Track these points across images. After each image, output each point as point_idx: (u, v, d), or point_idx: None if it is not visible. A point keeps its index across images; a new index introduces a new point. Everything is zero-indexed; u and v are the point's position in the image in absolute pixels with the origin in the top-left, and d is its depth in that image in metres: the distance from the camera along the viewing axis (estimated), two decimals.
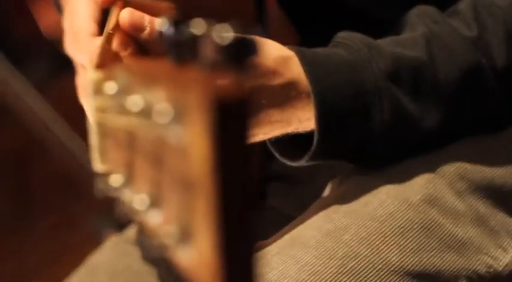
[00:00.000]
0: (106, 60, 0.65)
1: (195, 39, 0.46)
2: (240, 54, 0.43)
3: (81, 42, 0.80)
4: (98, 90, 0.52)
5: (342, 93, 0.80)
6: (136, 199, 0.50)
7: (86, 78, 0.77)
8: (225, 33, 0.43)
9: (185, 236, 0.43)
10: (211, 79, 0.42)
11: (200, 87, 0.41)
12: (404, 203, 0.83)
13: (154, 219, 0.48)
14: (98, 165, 0.61)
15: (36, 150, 2.22)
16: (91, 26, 0.80)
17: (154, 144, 0.48)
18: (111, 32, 0.73)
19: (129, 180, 0.52)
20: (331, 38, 0.86)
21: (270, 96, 0.76)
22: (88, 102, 0.72)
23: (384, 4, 0.92)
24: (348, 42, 0.84)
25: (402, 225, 0.81)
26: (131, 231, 1.08)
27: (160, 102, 0.45)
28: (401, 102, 0.82)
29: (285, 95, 0.77)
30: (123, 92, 0.51)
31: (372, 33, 0.85)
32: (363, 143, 0.82)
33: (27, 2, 2.29)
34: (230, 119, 0.40)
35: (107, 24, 0.78)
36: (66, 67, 2.34)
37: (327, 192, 0.90)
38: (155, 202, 0.48)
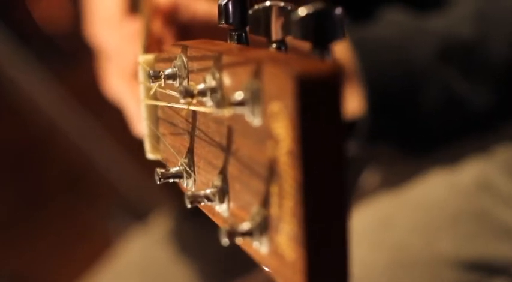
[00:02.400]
0: (152, 43, 0.61)
1: (268, 11, 0.43)
2: (323, 27, 0.39)
3: (114, 24, 0.76)
4: (148, 74, 0.49)
5: (391, 72, 0.76)
6: (201, 186, 0.47)
7: (119, 64, 0.73)
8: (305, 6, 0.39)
9: (263, 227, 0.40)
10: (294, 58, 0.38)
11: (282, 66, 0.37)
12: (455, 189, 0.79)
13: (223, 207, 0.44)
14: (150, 154, 0.57)
15: (47, 143, 2.18)
16: (122, 6, 0.76)
17: (220, 128, 0.44)
18: (146, 13, 0.69)
19: (191, 168, 0.48)
20: (368, 17, 0.83)
21: None
22: (131, 88, 0.69)
23: None
24: (394, 22, 0.80)
25: (454, 213, 0.78)
26: (157, 227, 1.04)
27: (232, 83, 0.41)
28: (451, 83, 0.79)
29: None
30: (182, 74, 0.48)
31: (416, 11, 0.82)
32: (412, 123, 0.79)
33: None
34: (319, 102, 0.36)
35: (141, 4, 0.74)
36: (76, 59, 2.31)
37: (368, 180, 0.86)
38: (223, 190, 0.44)
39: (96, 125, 2.09)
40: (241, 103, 0.39)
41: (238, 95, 0.39)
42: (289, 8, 0.43)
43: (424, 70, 0.78)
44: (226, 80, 0.42)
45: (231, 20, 0.47)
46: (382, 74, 0.76)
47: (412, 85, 0.78)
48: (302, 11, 0.39)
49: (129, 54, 0.71)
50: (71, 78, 2.19)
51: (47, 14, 2.26)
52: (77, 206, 2.17)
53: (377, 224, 0.77)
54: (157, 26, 0.68)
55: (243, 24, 0.47)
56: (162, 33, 0.68)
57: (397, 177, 0.82)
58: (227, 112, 0.40)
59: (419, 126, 0.79)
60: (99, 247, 2.01)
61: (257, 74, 0.39)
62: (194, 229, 0.96)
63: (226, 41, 0.49)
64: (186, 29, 0.69)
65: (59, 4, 2.27)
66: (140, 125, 0.69)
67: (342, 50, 0.76)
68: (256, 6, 0.44)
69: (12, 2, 2.32)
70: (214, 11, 0.68)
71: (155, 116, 0.56)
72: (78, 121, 2.09)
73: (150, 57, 0.56)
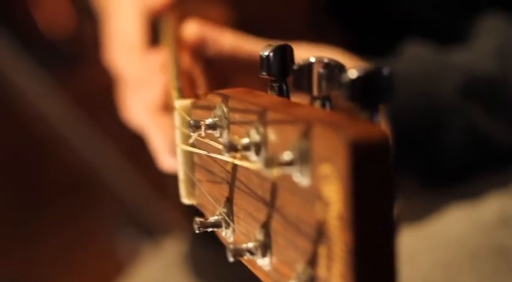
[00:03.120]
0: (183, 83, 0.61)
1: (312, 67, 0.43)
2: (374, 89, 0.39)
3: (135, 54, 0.75)
4: (189, 123, 0.48)
5: (413, 108, 0.77)
6: (240, 237, 0.47)
7: (143, 96, 0.72)
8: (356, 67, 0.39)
9: None
10: (344, 119, 0.39)
11: (334, 129, 0.37)
12: (476, 225, 0.79)
13: (265, 261, 0.44)
14: (185, 199, 0.57)
15: (48, 149, 2.18)
16: (144, 37, 0.75)
17: (263, 183, 0.45)
18: (173, 47, 0.68)
19: (230, 217, 0.49)
20: (387, 50, 0.83)
21: None
22: (156, 120, 0.68)
23: (446, 14, 0.89)
24: (416, 56, 0.80)
25: (474, 250, 0.78)
26: (171, 250, 1.04)
27: (278, 140, 0.42)
28: (474, 119, 0.79)
29: None
30: (223, 124, 0.48)
31: (436, 45, 0.82)
32: (433, 158, 0.79)
33: None
34: (372, 167, 0.36)
35: (163, 37, 0.74)
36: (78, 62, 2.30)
37: None
38: (265, 244, 0.44)
39: (97, 131, 2.09)
40: (289, 163, 0.40)
41: (287, 155, 0.40)
42: (333, 64, 0.43)
43: (447, 105, 0.78)
44: (272, 136, 0.42)
45: (272, 71, 0.47)
46: (405, 109, 0.76)
47: (435, 120, 0.78)
48: (352, 73, 0.39)
49: (153, 87, 0.70)
50: (73, 83, 2.19)
51: (49, 18, 2.25)
52: (77, 212, 2.17)
53: (402, 257, 0.78)
54: (185, 60, 0.67)
55: (284, 75, 0.47)
56: (189, 68, 0.67)
57: (417, 210, 0.82)
58: (276, 172, 0.40)
59: (440, 161, 0.80)
60: (99, 255, 2.01)
61: (306, 134, 0.39)
62: (208, 253, 0.96)
63: (253, 76, 0.50)
64: (211, 63, 0.69)
65: (61, 9, 2.27)
66: (165, 158, 0.69)
67: None
68: (300, 61, 0.44)
69: (14, 6, 2.32)
70: (240, 45, 0.68)
71: (191, 161, 0.56)
72: (79, 126, 2.09)
73: (187, 103, 0.55)
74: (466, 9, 0.87)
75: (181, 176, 0.57)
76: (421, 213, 0.82)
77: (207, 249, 0.96)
